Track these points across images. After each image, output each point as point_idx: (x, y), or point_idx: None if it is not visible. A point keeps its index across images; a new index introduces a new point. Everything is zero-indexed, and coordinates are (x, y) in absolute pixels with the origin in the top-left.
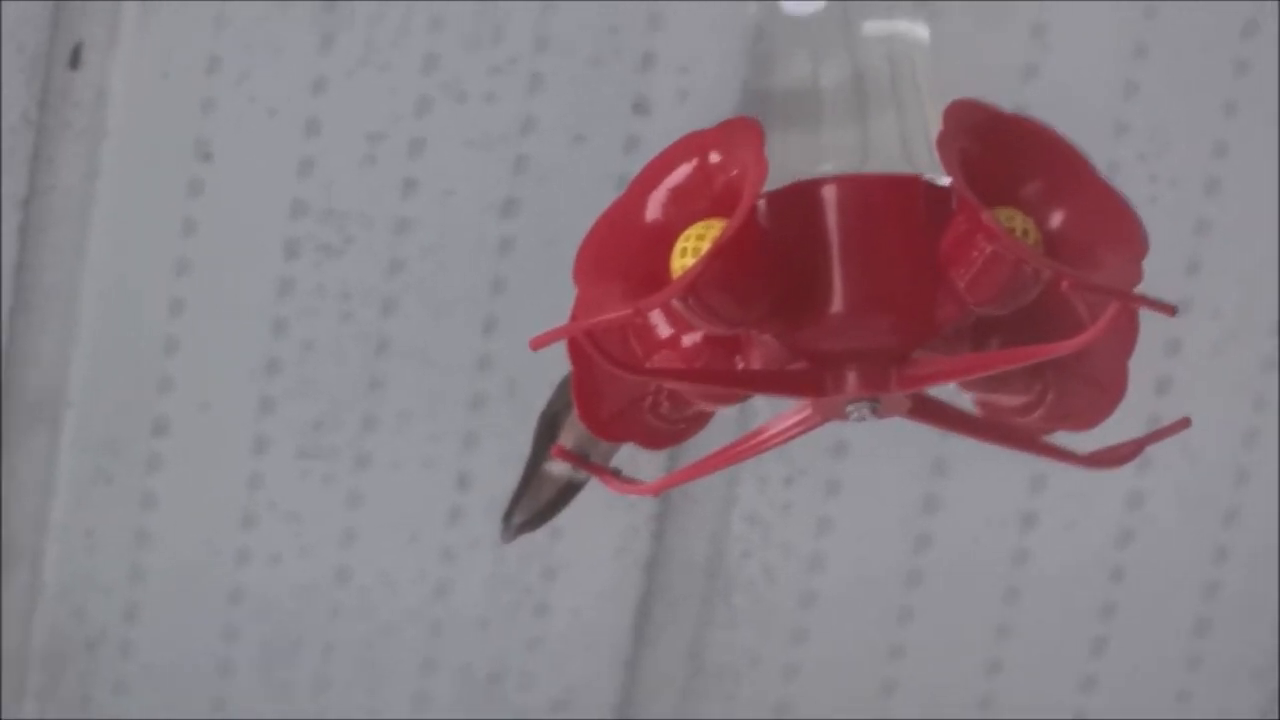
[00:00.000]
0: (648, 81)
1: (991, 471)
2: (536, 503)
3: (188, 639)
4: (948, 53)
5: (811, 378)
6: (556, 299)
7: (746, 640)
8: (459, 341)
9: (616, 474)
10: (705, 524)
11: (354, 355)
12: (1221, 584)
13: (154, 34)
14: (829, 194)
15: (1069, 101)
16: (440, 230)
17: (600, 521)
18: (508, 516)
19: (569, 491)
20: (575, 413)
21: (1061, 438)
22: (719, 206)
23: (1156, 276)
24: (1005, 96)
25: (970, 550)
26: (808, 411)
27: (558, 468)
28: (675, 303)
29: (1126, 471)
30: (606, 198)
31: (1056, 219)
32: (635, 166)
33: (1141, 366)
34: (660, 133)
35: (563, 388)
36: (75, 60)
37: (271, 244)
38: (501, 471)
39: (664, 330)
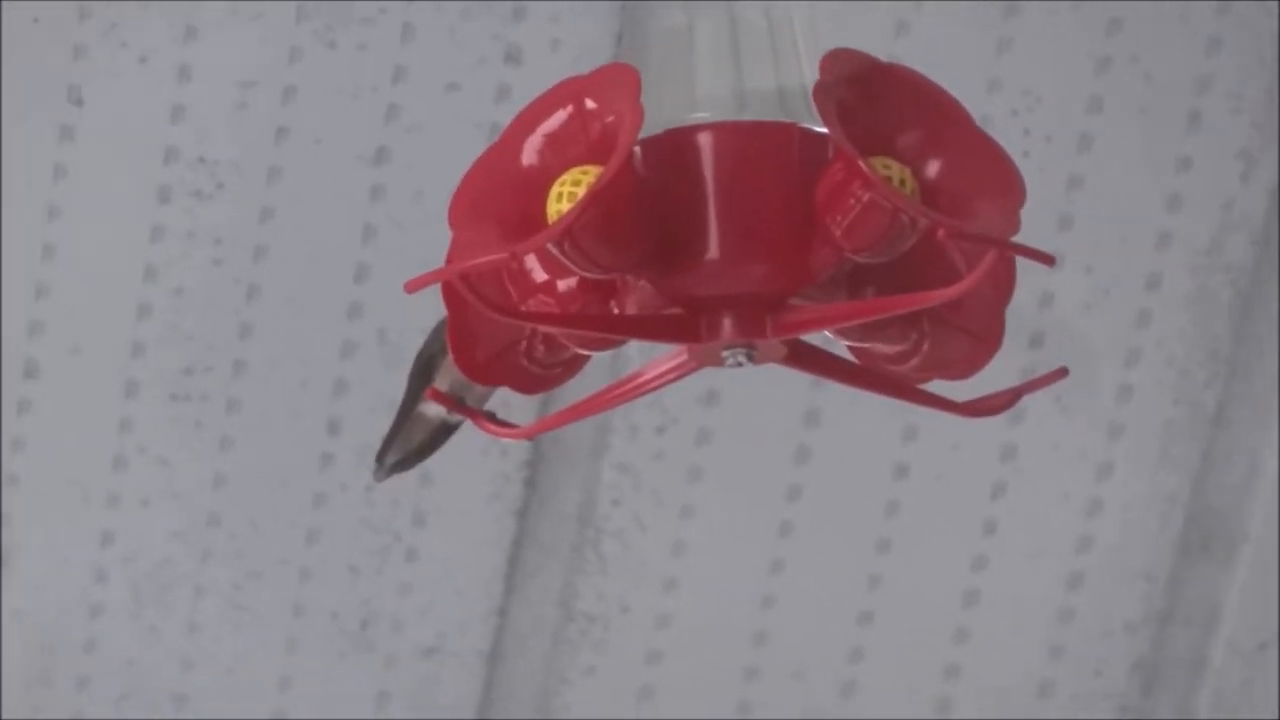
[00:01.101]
0: (519, 31)
1: (864, 421)
2: (409, 444)
3: (58, 581)
4: (821, 8)
5: (687, 323)
6: (427, 248)
7: (617, 589)
8: (329, 289)
9: (490, 417)
10: (577, 471)
11: (225, 301)
12: (1093, 540)
13: None
14: (705, 141)
15: (940, 57)
16: (311, 178)
17: (472, 468)
18: (380, 456)
19: (442, 433)
20: (450, 356)
21: (938, 387)
22: (595, 153)
23: (1030, 231)
24: (878, 49)
25: (842, 501)
26: (683, 358)
27: (432, 409)
28: (551, 247)
29: (999, 423)
30: (478, 147)
31: (933, 168)
32: (506, 116)
33: (1016, 320)
34: (532, 82)
35: (438, 331)
36: None
37: (143, 190)
38: (371, 419)
39: (539, 275)
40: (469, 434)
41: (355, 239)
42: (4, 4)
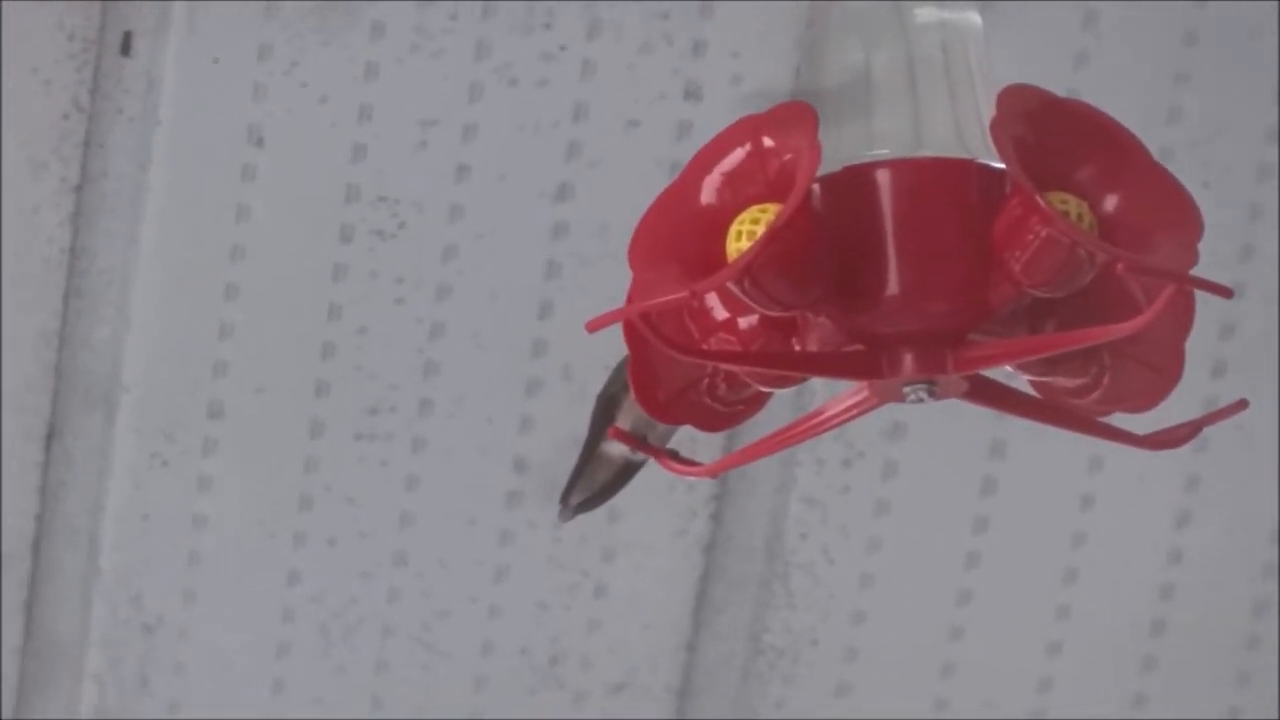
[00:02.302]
0: (699, 67)
1: (1049, 453)
2: (594, 483)
3: (245, 622)
4: (999, 39)
5: (868, 360)
6: (610, 284)
7: (805, 622)
8: (513, 326)
9: (674, 456)
10: (763, 506)
11: (408, 340)
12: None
13: (204, 21)
14: (883, 178)
15: (1120, 89)
16: (493, 215)
17: (659, 504)
18: (565, 497)
19: (626, 472)
20: (633, 395)
21: (1119, 419)
22: (773, 190)
23: (1210, 262)
24: (1056, 83)
25: (1028, 532)
26: (865, 394)
27: (615, 448)
28: (731, 285)
29: (1183, 454)
30: (658, 183)
31: (1111, 203)
32: (686, 152)
33: (1197, 350)
34: (711, 119)
35: (620, 370)
36: (126, 47)
37: (325, 229)
38: (557, 455)
39: (720, 313)
40: (654, 470)
41: (538, 276)
42: (185, 47)
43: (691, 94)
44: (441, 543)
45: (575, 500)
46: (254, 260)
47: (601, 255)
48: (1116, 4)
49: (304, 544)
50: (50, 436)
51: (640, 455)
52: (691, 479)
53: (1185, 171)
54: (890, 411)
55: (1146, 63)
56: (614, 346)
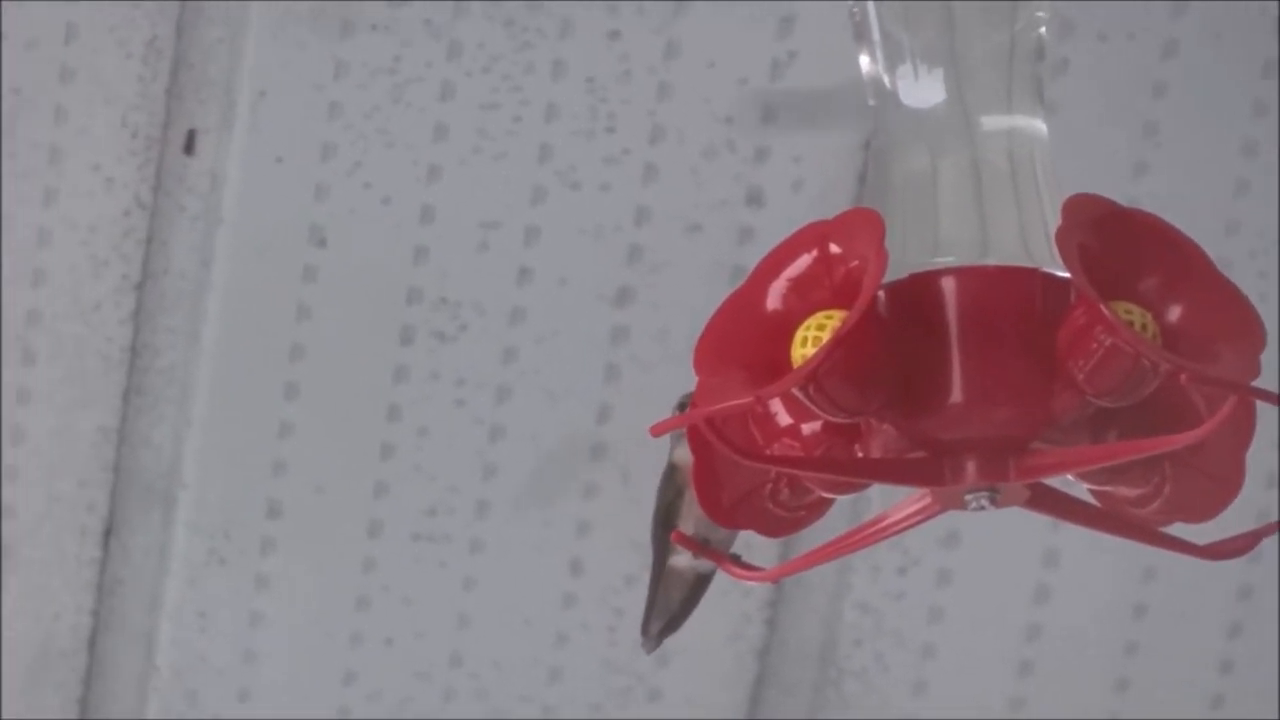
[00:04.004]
0: (761, 172)
1: (1102, 562)
2: (670, 605)
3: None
4: (1062, 148)
5: (931, 467)
6: (670, 388)
7: None
8: (573, 429)
9: (736, 560)
10: (818, 611)
11: (467, 442)
12: None
13: (268, 120)
14: (948, 285)
15: (1180, 199)
16: (554, 318)
17: (713, 608)
18: (646, 626)
19: (699, 588)
20: (694, 500)
21: (1176, 529)
22: (839, 297)
23: (1269, 371)
24: (1117, 192)
25: (1081, 641)
26: (927, 500)
27: (682, 563)
28: (796, 391)
29: (1238, 564)
30: (720, 288)
31: (1174, 312)
32: (749, 257)
33: (1255, 460)
34: (774, 224)
35: (667, 480)
36: (190, 145)
37: (386, 330)
38: (614, 558)
39: (784, 418)
40: None
41: (598, 379)
42: (249, 146)
43: (753, 199)
44: (497, 644)
45: (655, 628)
46: (314, 360)
47: (661, 360)
48: (1176, 116)
49: (360, 644)
50: (108, 533)
51: (707, 566)
52: (747, 584)
53: (1243, 282)
54: (945, 519)
55: (1207, 172)
56: None
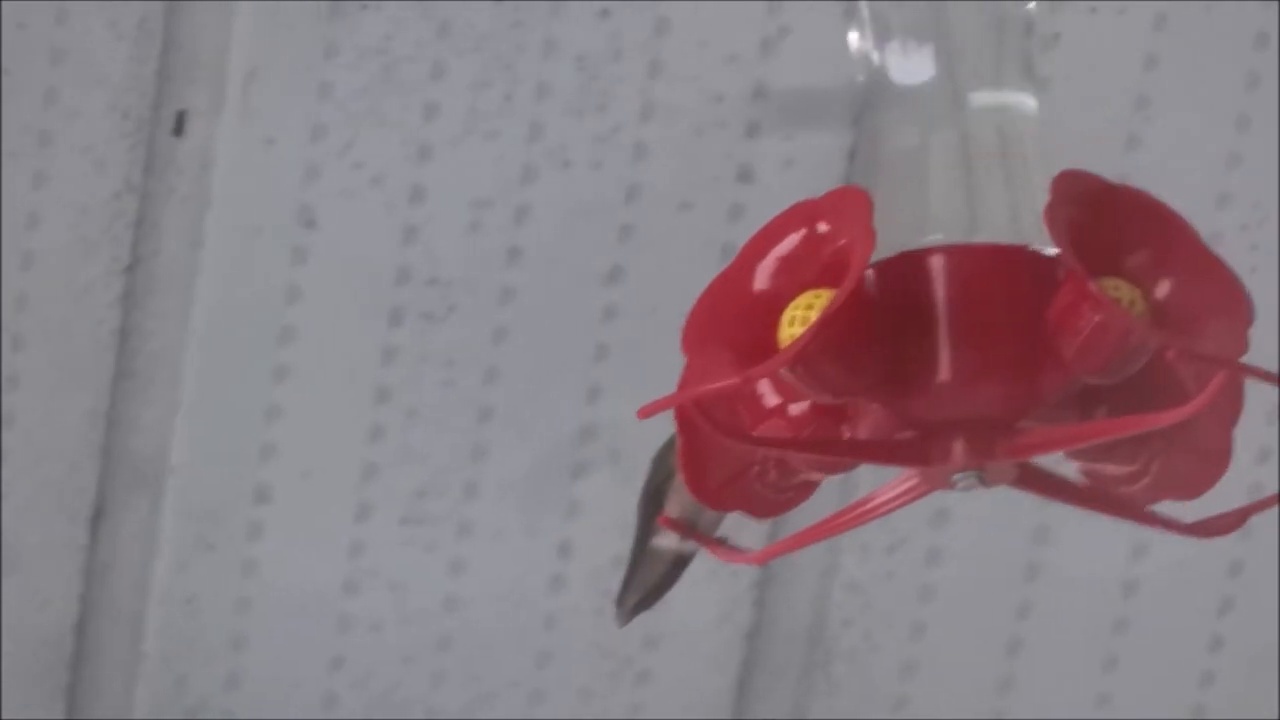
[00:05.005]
0: (752, 149)
1: (1093, 539)
2: (647, 581)
3: (289, 706)
4: (1053, 124)
5: (919, 447)
6: (660, 367)
7: (848, 708)
8: (562, 409)
9: (723, 543)
10: (807, 592)
11: (457, 423)
12: None
13: (258, 102)
14: (937, 264)
15: (1171, 172)
16: (544, 298)
17: (702, 590)
18: (621, 598)
19: (678, 566)
20: (682, 482)
21: (1165, 506)
22: (827, 276)
23: (1257, 346)
24: (1108, 167)
25: (1072, 618)
26: (915, 480)
27: (665, 543)
28: (783, 372)
29: (1228, 540)
30: (711, 266)
31: (1163, 289)
32: (740, 235)
33: (1244, 435)
34: (765, 201)
35: (659, 461)
36: (179, 127)
37: (375, 311)
38: (604, 540)
39: (771, 399)
40: (698, 557)
41: (588, 359)
42: (239, 127)
43: (744, 176)
44: (486, 628)
45: (630, 601)
46: (303, 342)
47: (652, 339)
48: (1167, 89)
49: (348, 628)
50: (96, 518)
51: (690, 547)
52: (734, 565)
53: (1235, 255)
54: (934, 497)
55: (1198, 147)
56: (663, 432)
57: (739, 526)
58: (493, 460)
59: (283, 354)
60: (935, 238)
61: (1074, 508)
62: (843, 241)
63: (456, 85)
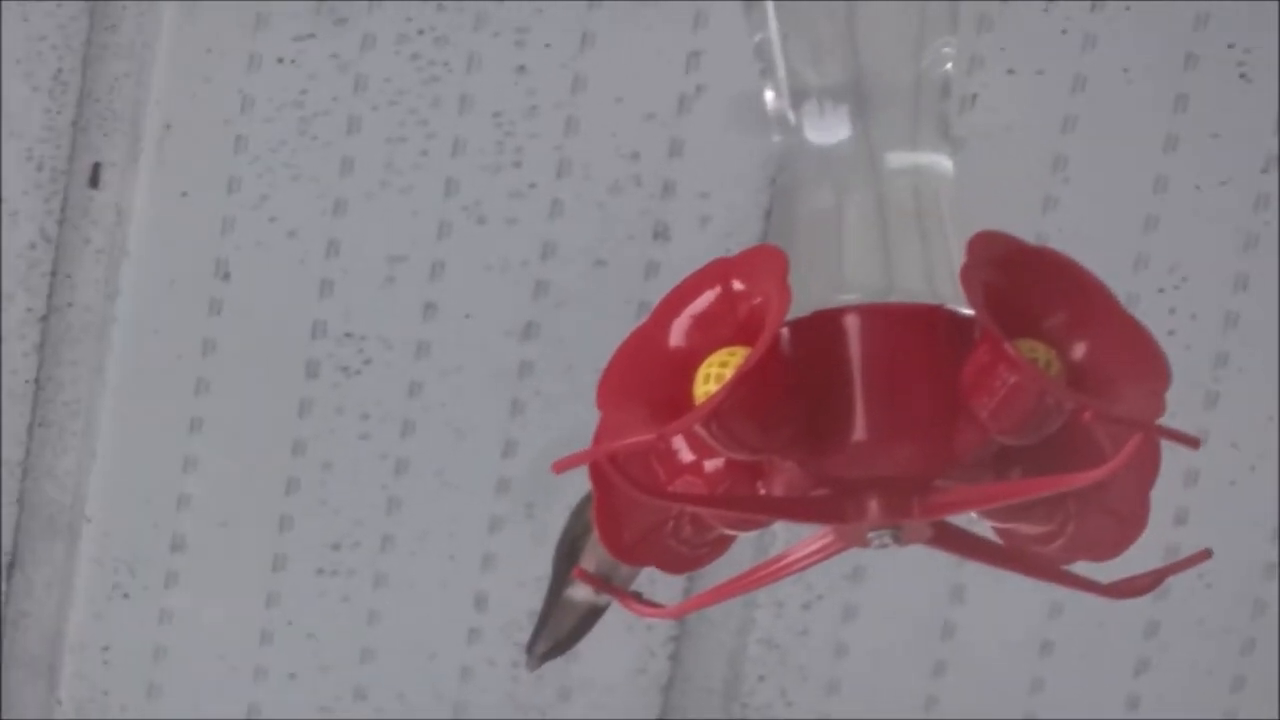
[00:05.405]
0: (668, 207)
1: (1009, 598)
2: (559, 631)
3: None
4: (969, 184)
5: (834, 505)
6: (575, 423)
7: None
8: (477, 463)
9: (638, 598)
10: (722, 647)
11: (373, 476)
12: (1238, 712)
13: (173, 155)
14: (852, 323)
15: (1088, 234)
16: (460, 353)
17: (617, 643)
18: (531, 645)
19: (591, 618)
20: (597, 537)
21: (1081, 567)
22: (742, 334)
23: (1175, 408)
24: (1025, 227)
25: (987, 677)
26: (830, 538)
27: (579, 594)
28: (698, 428)
29: (1144, 601)
30: (626, 323)
31: (1079, 350)
32: (655, 292)
33: (1160, 497)
34: (680, 259)
35: (578, 514)
36: (95, 179)
37: (291, 364)
38: (519, 593)
39: (686, 455)
40: (613, 610)
41: (503, 414)
42: (154, 179)
43: (660, 234)
44: (401, 678)
45: (541, 649)
46: (219, 394)
47: (567, 395)
48: (1085, 148)
49: (264, 678)
50: (12, 566)
51: (604, 599)
52: (650, 619)
53: (1151, 317)
54: (851, 555)
55: (1115, 209)
56: (578, 486)
57: (655, 580)
58: (408, 512)
59: (198, 405)
60: (851, 297)
61: (990, 567)
62: (758, 300)
63: (372, 139)
